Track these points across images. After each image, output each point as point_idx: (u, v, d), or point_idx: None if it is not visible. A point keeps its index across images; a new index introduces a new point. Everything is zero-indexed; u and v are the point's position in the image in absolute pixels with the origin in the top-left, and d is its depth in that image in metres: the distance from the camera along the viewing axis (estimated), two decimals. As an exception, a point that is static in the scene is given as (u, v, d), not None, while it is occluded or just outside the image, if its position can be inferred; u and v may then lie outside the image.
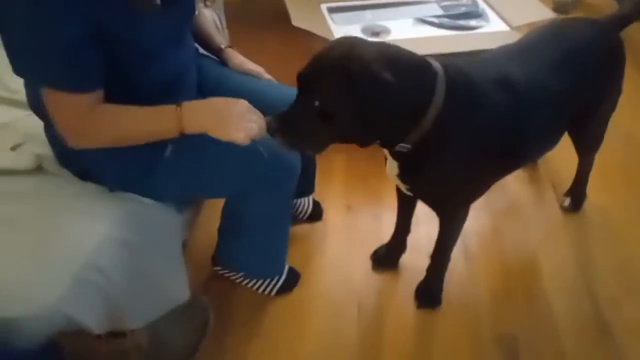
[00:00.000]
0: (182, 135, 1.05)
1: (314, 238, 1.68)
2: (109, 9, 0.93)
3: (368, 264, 1.60)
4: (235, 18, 2.07)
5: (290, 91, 1.35)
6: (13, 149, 1.24)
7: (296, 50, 2.40)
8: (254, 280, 1.47)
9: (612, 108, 1.48)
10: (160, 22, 1.04)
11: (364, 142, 1.08)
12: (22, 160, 1.20)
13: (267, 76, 1.38)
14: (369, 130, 1.02)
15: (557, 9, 2.70)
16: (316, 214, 1.71)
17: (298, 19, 1.86)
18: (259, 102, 1.29)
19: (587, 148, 1.61)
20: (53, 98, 0.98)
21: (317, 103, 0.99)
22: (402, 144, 1.09)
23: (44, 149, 1.22)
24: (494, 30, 1.99)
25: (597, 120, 1.49)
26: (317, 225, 1.71)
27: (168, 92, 1.14)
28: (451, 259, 1.59)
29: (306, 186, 1.60)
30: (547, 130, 1.31)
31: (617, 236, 1.67)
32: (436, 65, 1.07)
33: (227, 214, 1.37)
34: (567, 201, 1.75)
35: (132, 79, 1.07)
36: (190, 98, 1.22)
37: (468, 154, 1.13)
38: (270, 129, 1.04)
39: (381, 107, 0.98)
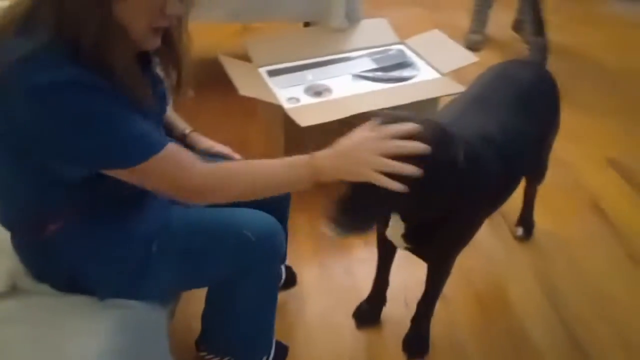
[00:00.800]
0: (316, 184, 1.02)
1: (293, 304, 1.67)
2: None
3: (351, 321, 1.62)
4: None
5: None
6: (-23, 269, 1.15)
7: (237, 108, 2.42)
8: (243, 362, 1.44)
9: (554, 138, 1.62)
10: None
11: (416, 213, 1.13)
12: (-7, 281, 1.12)
13: (237, 156, 1.39)
14: (426, 204, 1.07)
15: (468, 46, 2.93)
16: (291, 280, 1.71)
17: (244, 88, 1.89)
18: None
19: (537, 177, 1.75)
20: (149, 170, 0.93)
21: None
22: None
23: (13, 262, 1.14)
24: (428, 79, 2.12)
25: (544, 150, 1.63)
26: (293, 290, 1.71)
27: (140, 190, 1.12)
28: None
29: None
30: (520, 171, 1.43)
31: (570, 257, 1.82)
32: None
33: (212, 300, 1.34)
34: (519, 231, 1.87)
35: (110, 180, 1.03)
36: None
37: (477, 209, 1.23)
38: (336, 225, 1.02)
39: (448, 185, 1.03)
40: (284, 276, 1.68)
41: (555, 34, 3.00)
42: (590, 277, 1.75)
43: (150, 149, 0.93)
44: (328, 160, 1.02)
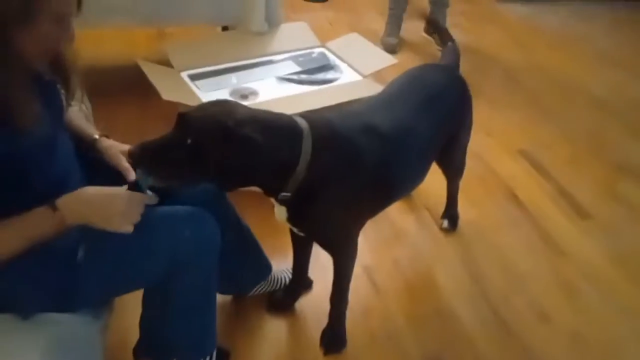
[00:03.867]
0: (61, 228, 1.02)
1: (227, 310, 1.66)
2: None
3: (290, 322, 1.63)
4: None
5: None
6: None
7: (157, 113, 2.34)
8: (187, 365, 1.41)
9: (469, 136, 1.73)
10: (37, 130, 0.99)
11: (228, 187, 1.23)
12: None
13: None
14: (235, 178, 1.16)
15: (384, 49, 3.03)
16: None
17: (166, 93, 1.86)
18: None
19: (454, 174, 1.85)
20: None
21: (189, 141, 1.10)
22: (283, 193, 1.21)
23: None
24: (350, 81, 2.18)
25: (459, 149, 1.74)
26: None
27: (47, 200, 1.08)
28: (364, 295, 1.71)
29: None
30: (415, 167, 1.48)
31: (491, 242, 1.94)
32: (302, 122, 1.22)
33: (149, 301, 1.31)
34: (445, 223, 1.97)
35: (13, 195, 1.01)
36: None
37: (341, 195, 1.28)
38: (133, 158, 1.13)
39: (248, 162, 1.13)
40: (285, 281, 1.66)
41: (463, 35, 3.20)
42: (509, 258, 1.88)
43: None
44: (80, 211, 1.05)
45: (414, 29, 3.33)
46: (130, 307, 1.36)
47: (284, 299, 1.66)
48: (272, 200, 1.28)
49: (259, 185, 1.23)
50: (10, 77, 0.92)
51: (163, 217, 1.18)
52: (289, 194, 1.22)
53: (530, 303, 1.71)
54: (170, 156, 1.12)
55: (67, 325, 1.10)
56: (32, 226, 1.01)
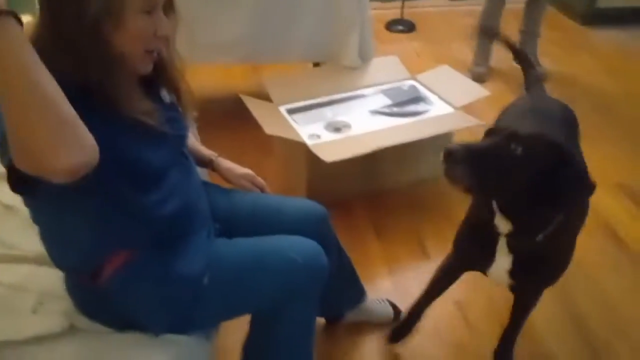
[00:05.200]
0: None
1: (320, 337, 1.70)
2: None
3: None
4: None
5: (299, 202, 1.45)
6: (34, 311, 1.19)
7: (252, 145, 2.46)
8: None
9: None
10: (161, 148, 1.07)
11: (508, 203, 1.16)
12: (50, 322, 1.15)
13: (260, 180, 1.46)
14: (526, 196, 1.11)
15: (473, 78, 3.03)
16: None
17: (269, 127, 1.96)
18: (278, 219, 1.35)
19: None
20: None
21: (519, 150, 1.08)
22: (540, 235, 1.17)
23: (67, 304, 1.19)
24: (442, 113, 2.20)
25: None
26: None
27: (183, 225, 1.17)
28: (457, 333, 1.70)
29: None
30: None
31: (590, 282, 1.86)
32: None
33: (256, 326, 1.36)
34: (542, 259, 1.92)
35: (145, 217, 1.09)
36: (207, 229, 1.26)
37: (575, 235, 1.30)
38: (454, 155, 1.06)
39: (569, 187, 1.11)
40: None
41: (554, 64, 3.13)
42: (609, 299, 1.80)
43: None
44: None
45: (503, 57, 3.29)
46: (230, 329, 1.43)
47: (404, 328, 1.65)
48: (502, 245, 1.24)
49: (527, 217, 1.16)
50: (116, 77, 0.96)
51: (278, 246, 1.26)
52: (541, 237, 1.16)
53: (636, 351, 1.63)
54: (491, 161, 1.09)
55: (185, 344, 1.18)
56: None
